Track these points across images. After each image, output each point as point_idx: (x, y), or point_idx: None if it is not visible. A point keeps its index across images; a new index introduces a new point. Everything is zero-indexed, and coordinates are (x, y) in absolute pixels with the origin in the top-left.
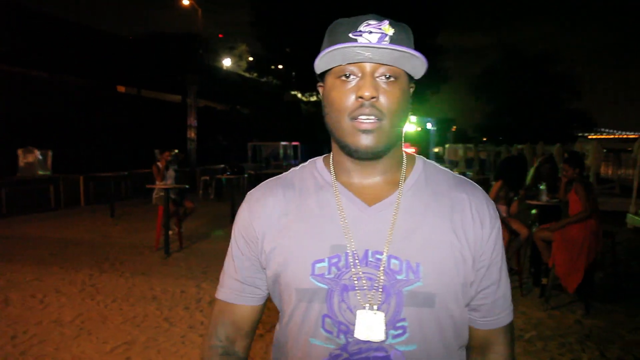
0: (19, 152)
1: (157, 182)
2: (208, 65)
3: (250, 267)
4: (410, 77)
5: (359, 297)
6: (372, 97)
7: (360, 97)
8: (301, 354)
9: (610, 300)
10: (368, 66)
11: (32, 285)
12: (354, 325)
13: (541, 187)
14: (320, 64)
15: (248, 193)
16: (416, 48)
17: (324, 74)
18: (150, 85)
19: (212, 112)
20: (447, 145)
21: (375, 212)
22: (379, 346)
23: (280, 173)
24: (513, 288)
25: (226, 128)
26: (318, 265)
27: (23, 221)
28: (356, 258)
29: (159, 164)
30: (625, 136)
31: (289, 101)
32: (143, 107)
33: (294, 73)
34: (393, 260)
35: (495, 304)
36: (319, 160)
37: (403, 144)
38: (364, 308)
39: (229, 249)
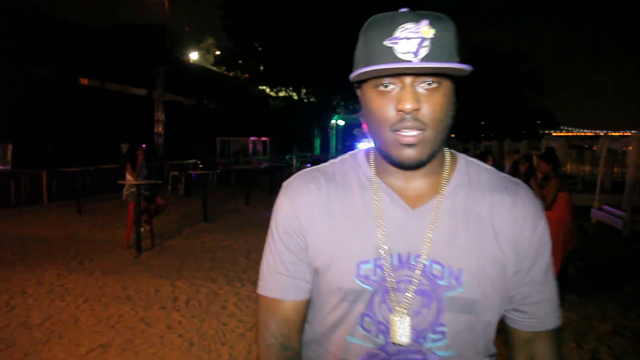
0: None
1: (129, 178)
2: (175, 58)
3: (297, 261)
4: (454, 77)
5: (400, 300)
6: (414, 110)
7: (401, 110)
8: (337, 351)
9: (582, 292)
10: (408, 77)
11: None
12: None
13: None
14: (356, 77)
15: (285, 183)
16: None
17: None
18: (114, 77)
19: (178, 106)
20: None
21: (418, 215)
22: (417, 349)
23: (250, 169)
24: None
25: (193, 123)
26: (364, 266)
27: None
28: (400, 261)
29: (138, 159)
30: (582, 134)
31: (258, 96)
32: (107, 100)
33: (262, 67)
34: (435, 266)
35: (539, 306)
36: (359, 154)
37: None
38: (396, 313)
39: (270, 243)
